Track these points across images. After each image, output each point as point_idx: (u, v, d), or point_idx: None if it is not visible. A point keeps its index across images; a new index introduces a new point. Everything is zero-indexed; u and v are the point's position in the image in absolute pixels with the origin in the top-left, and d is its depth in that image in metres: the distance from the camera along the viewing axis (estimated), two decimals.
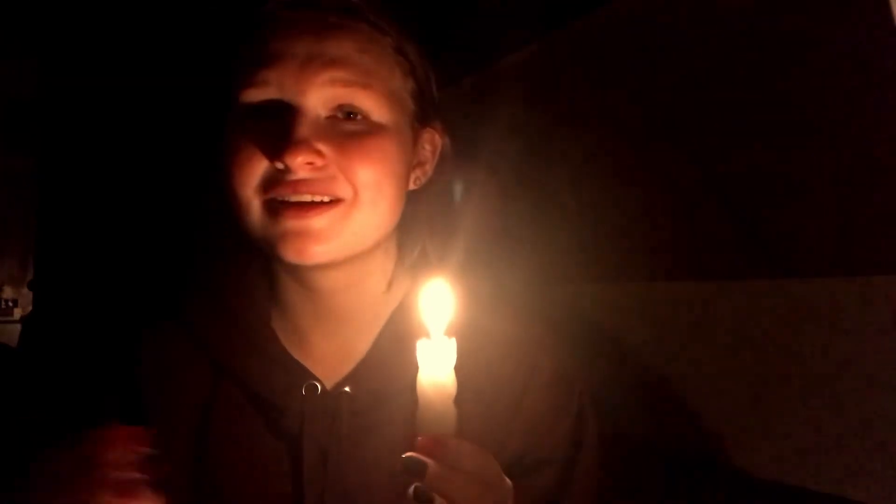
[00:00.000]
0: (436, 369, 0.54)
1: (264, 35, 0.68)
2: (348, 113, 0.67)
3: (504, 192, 1.20)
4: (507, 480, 0.57)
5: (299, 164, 0.63)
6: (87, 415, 0.77)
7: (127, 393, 0.76)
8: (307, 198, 0.65)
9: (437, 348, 0.54)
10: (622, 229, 1.11)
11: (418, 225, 0.74)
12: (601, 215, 1.13)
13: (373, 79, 0.67)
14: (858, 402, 0.80)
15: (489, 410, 0.72)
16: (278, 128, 0.64)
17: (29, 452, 0.59)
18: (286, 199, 0.65)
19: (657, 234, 1.07)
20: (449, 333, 0.55)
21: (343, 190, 0.66)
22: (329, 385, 0.71)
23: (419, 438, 0.53)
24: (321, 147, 0.64)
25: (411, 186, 0.74)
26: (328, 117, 0.66)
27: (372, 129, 0.67)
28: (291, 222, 0.65)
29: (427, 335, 0.55)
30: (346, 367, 0.72)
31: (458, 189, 0.85)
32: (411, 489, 0.51)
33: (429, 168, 0.76)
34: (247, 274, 0.76)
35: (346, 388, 0.70)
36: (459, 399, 0.58)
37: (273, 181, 0.65)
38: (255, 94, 0.66)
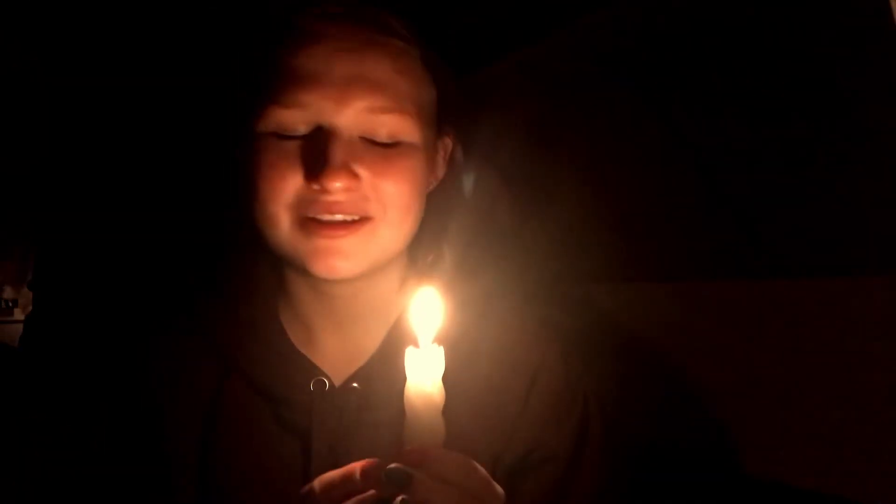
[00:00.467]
0: (423, 379, 0.53)
1: (297, 50, 0.67)
2: (382, 134, 0.67)
3: (504, 193, 1.20)
4: (499, 489, 0.57)
5: (337, 188, 0.63)
6: (91, 414, 0.78)
7: (134, 389, 0.76)
8: (339, 217, 0.65)
9: (424, 357, 0.54)
10: (622, 230, 1.11)
11: (430, 227, 0.74)
12: (601, 215, 1.13)
13: (406, 101, 0.68)
14: (860, 402, 0.80)
15: (494, 410, 0.72)
16: (313, 148, 0.65)
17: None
18: (318, 217, 0.65)
19: (657, 235, 1.07)
20: (439, 341, 0.55)
21: (373, 209, 0.67)
22: (337, 381, 0.71)
23: (404, 449, 0.52)
24: (358, 170, 0.65)
25: None
26: (361, 137, 0.66)
27: (403, 151, 0.68)
28: (324, 241, 0.65)
29: (415, 344, 0.55)
30: (355, 365, 0.73)
31: (465, 190, 0.86)
32: (397, 501, 0.50)
33: (440, 172, 0.77)
34: (255, 270, 0.76)
35: (355, 384, 0.70)
36: (463, 400, 0.57)
37: (306, 200, 0.66)
38: (290, 115, 0.66)
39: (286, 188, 0.66)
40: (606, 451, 0.76)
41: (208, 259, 0.81)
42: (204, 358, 0.75)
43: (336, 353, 0.74)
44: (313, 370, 0.71)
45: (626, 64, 0.95)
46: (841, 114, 0.76)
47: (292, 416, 0.70)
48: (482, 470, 0.55)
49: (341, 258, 0.66)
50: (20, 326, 1.78)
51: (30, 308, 1.76)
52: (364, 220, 0.67)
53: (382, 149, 0.67)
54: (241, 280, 0.77)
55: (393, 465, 0.51)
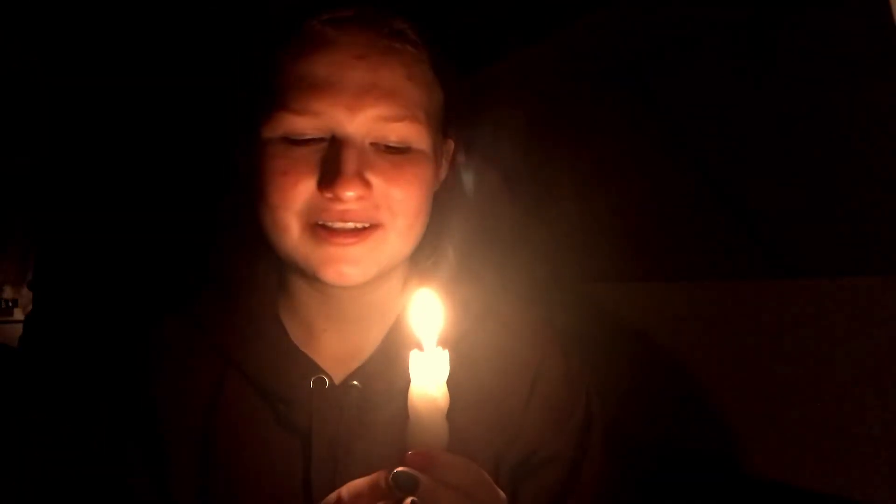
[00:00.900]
0: (427, 382, 0.53)
1: (310, 57, 0.66)
2: (393, 142, 0.67)
3: (504, 193, 1.20)
4: (501, 494, 0.57)
5: (350, 196, 0.63)
6: (90, 413, 0.77)
7: (134, 388, 0.76)
8: (350, 225, 0.65)
9: (429, 360, 0.53)
10: (622, 230, 1.11)
11: (432, 228, 0.74)
12: (601, 216, 1.13)
13: (417, 108, 0.67)
14: (861, 403, 0.80)
15: (496, 411, 0.72)
16: (325, 156, 0.65)
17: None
18: (329, 224, 0.65)
19: (657, 235, 1.07)
20: (443, 344, 0.54)
21: (383, 216, 0.66)
22: (337, 380, 0.71)
23: (409, 453, 0.52)
24: (370, 178, 0.65)
25: None
26: (372, 144, 0.66)
27: (413, 157, 0.68)
28: (334, 248, 0.65)
29: (419, 347, 0.54)
30: (355, 363, 0.73)
31: (466, 191, 0.86)
32: (407, 502, 0.50)
33: (442, 174, 0.77)
34: (256, 269, 0.76)
35: (355, 383, 0.70)
36: (464, 401, 0.57)
37: (317, 208, 0.65)
38: (302, 122, 0.65)
39: (297, 196, 0.65)
40: (608, 451, 0.75)
41: (208, 258, 0.80)
42: (204, 356, 0.75)
43: (336, 352, 0.74)
44: (313, 368, 0.71)
45: (626, 64, 0.95)
46: (841, 114, 0.76)
47: (292, 415, 0.69)
48: (486, 475, 0.55)
49: (351, 265, 0.66)
50: (20, 326, 1.78)
51: (30, 308, 1.76)
52: (374, 227, 0.66)
53: (393, 156, 0.67)
54: (242, 279, 0.76)
55: (399, 469, 0.51)
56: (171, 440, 0.72)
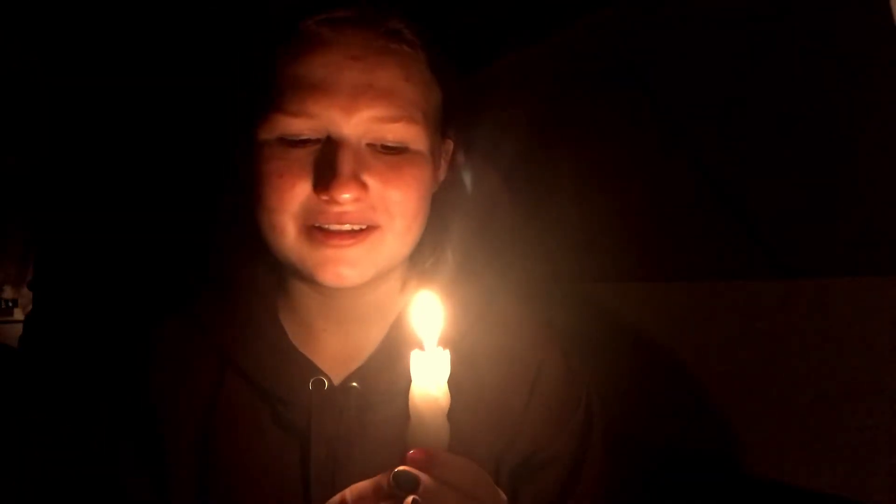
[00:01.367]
0: (428, 382, 0.53)
1: (305, 58, 0.66)
2: (390, 143, 0.67)
3: (504, 193, 1.20)
4: (501, 493, 0.57)
5: (346, 199, 0.63)
6: (90, 414, 0.77)
7: (133, 388, 0.76)
8: (347, 227, 0.65)
9: (430, 360, 0.53)
10: (622, 230, 1.11)
11: (431, 229, 0.74)
12: (601, 215, 1.13)
13: (414, 109, 0.67)
14: (861, 403, 0.80)
15: (496, 411, 0.72)
16: (321, 157, 0.64)
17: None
18: (325, 226, 0.65)
19: (657, 235, 1.07)
20: (444, 344, 0.54)
21: (380, 218, 0.66)
22: (336, 381, 0.71)
23: (410, 452, 0.52)
24: (366, 180, 0.65)
25: None
26: (368, 144, 0.66)
27: (410, 158, 0.67)
28: (331, 251, 0.65)
29: (420, 346, 0.54)
30: (354, 364, 0.72)
31: (466, 191, 0.86)
32: (408, 502, 0.50)
33: (441, 174, 0.77)
34: (255, 270, 0.76)
35: (354, 384, 0.70)
36: (465, 401, 0.57)
37: (313, 210, 0.65)
38: (297, 124, 0.65)
39: (293, 198, 0.65)
40: (609, 452, 0.75)
41: (208, 259, 0.80)
42: (203, 357, 0.75)
43: (335, 353, 0.74)
44: (312, 369, 0.71)
45: (626, 64, 0.95)
46: (841, 114, 0.76)
47: (291, 416, 0.69)
48: (486, 474, 0.55)
49: (348, 267, 0.66)
50: (20, 326, 1.78)
51: (30, 308, 1.76)
52: (371, 228, 0.66)
53: (389, 157, 0.66)
54: (241, 279, 0.76)
55: (400, 468, 0.51)
56: (171, 440, 0.72)
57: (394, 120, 0.65)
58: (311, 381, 0.70)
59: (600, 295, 1.15)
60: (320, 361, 0.72)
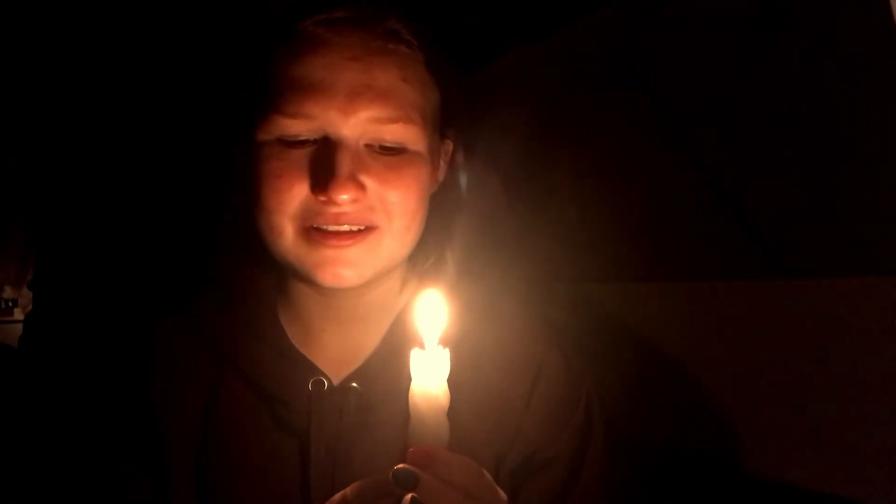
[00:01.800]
0: (428, 380, 0.53)
1: (303, 59, 0.66)
2: (388, 143, 0.67)
3: (504, 193, 1.20)
4: (501, 493, 0.57)
5: (344, 199, 0.63)
6: (90, 414, 0.78)
7: (133, 388, 0.76)
8: (345, 227, 0.65)
9: (430, 359, 0.53)
10: (622, 230, 1.11)
11: (431, 229, 0.74)
12: (601, 215, 1.13)
13: (412, 109, 0.67)
14: (860, 402, 0.80)
15: (497, 411, 0.72)
16: (319, 158, 0.64)
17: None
18: (324, 227, 0.65)
19: (657, 235, 1.07)
20: (444, 343, 0.54)
21: (379, 218, 0.66)
22: (336, 381, 0.71)
23: (410, 450, 0.52)
24: (364, 181, 0.65)
25: None
26: (367, 145, 0.66)
27: (408, 159, 0.67)
28: (330, 252, 0.65)
29: (420, 345, 0.54)
30: (353, 364, 0.73)
31: (465, 192, 0.86)
32: (407, 499, 0.50)
33: (440, 175, 0.77)
34: (255, 270, 0.76)
35: (354, 384, 0.70)
36: (465, 401, 0.57)
37: (311, 211, 0.65)
38: (295, 125, 0.65)
39: (292, 199, 0.65)
40: (609, 452, 0.75)
41: (207, 259, 0.80)
42: (202, 357, 0.75)
43: (335, 353, 0.74)
44: (312, 370, 0.71)
45: (626, 64, 0.95)
46: (841, 114, 0.76)
47: (291, 416, 0.69)
48: (486, 473, 0.55)
49: (347, 267, 0.66)
50: (20, 326, 1.78)
51: (30, 308, 1.76)
52: (369, 229, 0.66)
53: (387, 157, 0.66)
54: (241, 279, 0.76)
55: (400, 466, 0.51)
56: (170, 440, 0.72)
57: (392, 120, 0.66)
58: (311, 381, 0.70)
59: (600, 295, 1.15)
60: (320, 362, 0.72)
